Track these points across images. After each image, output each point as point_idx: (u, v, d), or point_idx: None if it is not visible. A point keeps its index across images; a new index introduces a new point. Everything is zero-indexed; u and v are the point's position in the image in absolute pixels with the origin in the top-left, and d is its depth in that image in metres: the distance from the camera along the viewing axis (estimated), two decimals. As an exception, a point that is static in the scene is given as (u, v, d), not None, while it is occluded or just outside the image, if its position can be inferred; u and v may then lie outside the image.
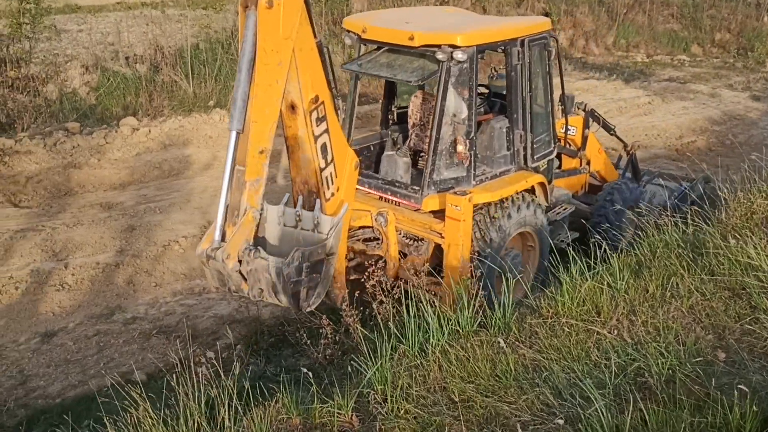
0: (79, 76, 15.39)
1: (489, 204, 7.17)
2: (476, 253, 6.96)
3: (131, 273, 9.18)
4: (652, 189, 10.14)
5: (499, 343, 5.21)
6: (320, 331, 6.32)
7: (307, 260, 5.62)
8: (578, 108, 9.22)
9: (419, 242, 7.40)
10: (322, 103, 6.12)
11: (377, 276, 6.50)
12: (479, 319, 5.71)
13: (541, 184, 7.84)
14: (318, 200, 6.29)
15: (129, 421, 4.38)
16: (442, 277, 6.91)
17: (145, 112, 14.72)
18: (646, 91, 19.79)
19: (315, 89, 6.02)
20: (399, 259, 7.41)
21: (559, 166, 9.10)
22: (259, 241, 5.93)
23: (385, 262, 7.32)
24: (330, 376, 5.74)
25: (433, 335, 5.43)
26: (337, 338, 6.30)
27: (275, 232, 6.18)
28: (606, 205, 8.73)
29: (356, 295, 7.00)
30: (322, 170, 6.30)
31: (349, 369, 5.36)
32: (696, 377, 4.60)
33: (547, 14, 8.21)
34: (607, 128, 9.95)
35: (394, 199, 7.41)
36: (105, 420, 4.38)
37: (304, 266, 5.60)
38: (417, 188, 7.17)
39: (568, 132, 8.75)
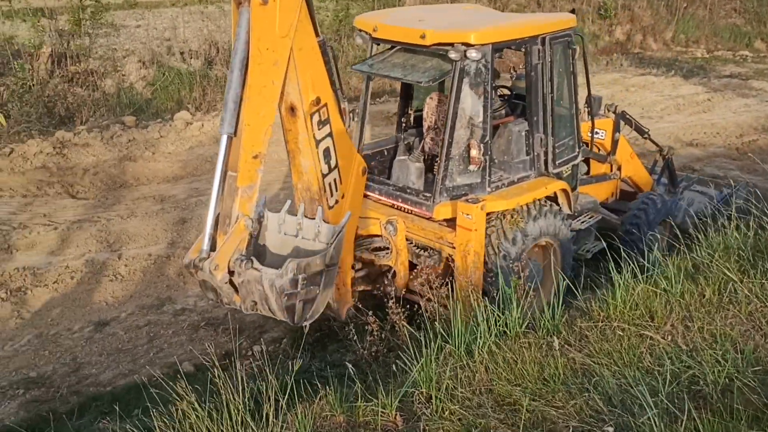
0: (136, 71, 15.73)
1: (505, 212, 6.76)
2: (491, 265, 6.59)
3: (182, 265, 9.32)
4: (690, 196, 9.71)
5: (552, 343, 5.10)
6: (366, 327, 6.29)
7: (303, 272, 5.29)
8: (608, 110, 8.73)
9: (431, 252, 7.00)
10: (325, 105, 5.84)
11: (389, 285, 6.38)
12: (528, 321, 5.60)
13: (564, 191, 7.39)
14: (320, 208, 5.98)
15: (175, 414, 4.42)
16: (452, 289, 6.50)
17: (198, 107, 14.95)
18: (706, 88, 19.21)
19: (316, 91, 5.74)
20: (409, 270, 7.04)
21: (587, 172, 8.71)
22: (259, 250, 5.72)
23: (394, 273, 7.01)
24: (375, 373, 5.70)
25: (480, 336, 5.34)
26: (383, 335, 6.26)
27: (276, 240, 5.86)
28: (639, 215, 8.27)
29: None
30: (324, 176, 6.01)
31: (394, 368, 5.32)
32: (754, 387, 4.41)
33: (573, 11, 7.89)
34: (641, 131, 9.42)
35: (405, 206, 7.04)
36: (152, 412, 4.43)
37: (299, 278, 5.27)
38: (429, 195, 6.82)
39: (597, 136, 8.30)
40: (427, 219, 6.87)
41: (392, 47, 6.96)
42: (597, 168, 8.78)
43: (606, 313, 5.59)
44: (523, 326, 5.52)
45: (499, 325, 5.48)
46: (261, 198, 5.68)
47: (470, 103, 6.58)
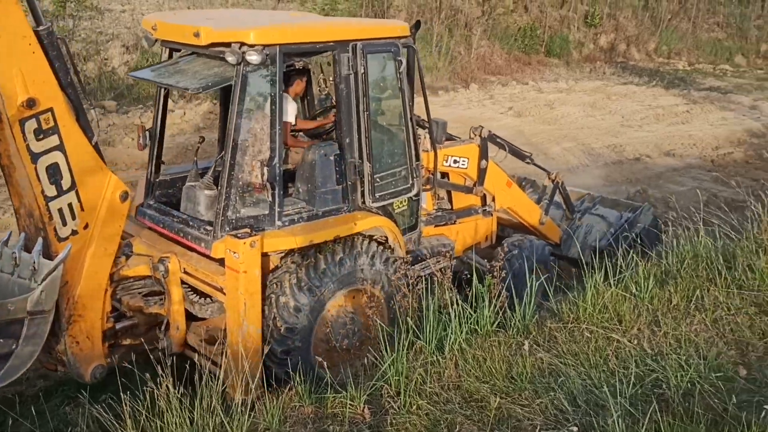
0: (119, 55, 15.62)
1: (303, 251, 5.60)
2: (274, 319, 5.43)
3: None
4: (589, 221, 8.83)
5: (523, 345, 5.17)
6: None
7: None
8: (473, 134, 7.49)
9: (208, 300, 5.76)
10: (49, 110, 4.64)
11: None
12: (499, 319, 5.66)
13: (391, 231, 6.21)
14: (40, 239, 4.81)
15: (145, 399, 4.43)
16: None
17: (182, 95, 14.88)
18: (686, 100, 19.51)
19: (31, 91, 4.53)
20: (186, 322, 5.84)
21: (451, 208, 7.58)
22: None
23: (168, 324, 5.79)
24: (347, 365, 5.74)
25: (451, 332, 5.40)
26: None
27: None
28: (505, 266, 6.94)
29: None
30: (49, 199, 4.78)
31: (365, 361, 5.36)
32: (715, 392, 4.52)
33: (417, 23, 6.54)
34: (521, 156, 8.12)
35: (185, 241, 5.75)
36: (122, 395, 4.43)
37: None
38: (211, 228, 5.55)
39: (457, 164, 7.25)
40: (209, 257, 5.57)
41: (191, 52, 5.83)
42: (464, 201, 7.63)
43: (576, 315, 5.69)
44: (494, 325, 5.59)
45: (471, 323, 5.54)
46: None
47: (253, 118, 5.47)
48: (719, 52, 27.13)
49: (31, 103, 4.53)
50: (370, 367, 5.30)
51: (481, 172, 7.47)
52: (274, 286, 5.51)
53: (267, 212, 5.52)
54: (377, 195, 6.09)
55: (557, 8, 26.30)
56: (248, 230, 5.38)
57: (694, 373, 4.69)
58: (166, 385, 4.40)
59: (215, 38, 5.26)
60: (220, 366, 4.95)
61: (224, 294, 5.38)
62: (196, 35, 5.26)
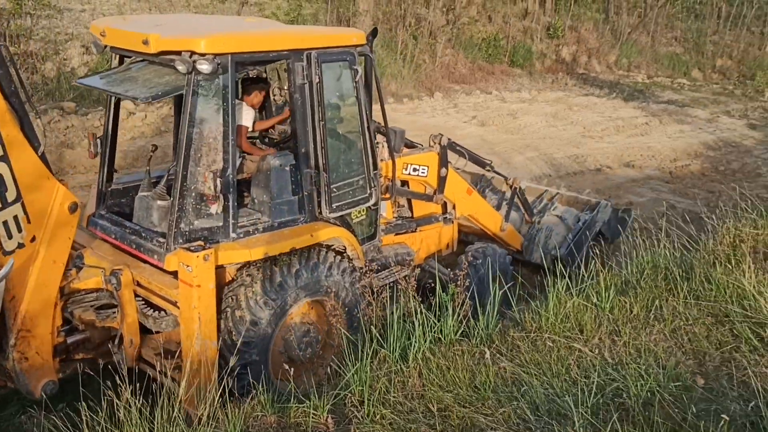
0: (79, 56, 15.32)
1: (259, 264, 5.53)
2: (230, 333, 5.38)
3: None
4: (549, 224, 8.92)
5: (484, 354, 5.19)
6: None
7: None
8: (433, 141, 7.52)
9: (162, 313, 5.63)
10: None
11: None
12: (462, 328, 5.69)
13: (349, 241, 6.18)
14: None
15: (103, 409, 4.33)
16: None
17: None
18: (645, 112, 19.90)
19: None
20: (139, 335, 5.68)
21: (411, 216, 7.61)
22: None
23: (122, 337, 5.61)
24: (309, 375, 5.70)
25: (415, 341, 5.40)
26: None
27: None
28: (469, 274, 6.87)
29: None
30: None
31: (329, 370, 5.33)
32: (674, 401, 4.60)
33: (374, 30, 6.43)
34: (480, 163, 8.24)
35: (137, 253, 5.65)
36: (80, 404, 4.33)
37: None
38: (163, 241, 5.44)
39: (417, 172, 7.25)
40: (162, 270, 5.49)
41: (141, 60, 5.65)
42: (424, 209, 7.66)
43: (538, 324, 5.74)
44: (458, 334, 5.61)
45: (434, 332, 5.55)
46: None
47: (205, 127, 5.34)
48: (677, 66, 27.77)
49: None
50: (333, 376, 5.27)
51: (441, 180, 7.50)
52: (230, 299, 5.43)
53: (221, 224, 5.42)
54: (334, 205, 6.04)
55: (520, 19, 26.65)
56: (202, 243, 5.26)
57: (654, 382, 4.76)
58: (126, 396, 4.32)
59: (164, 46, 5.14)
60: (177, 381, 4.85)
61: (178, 308, 5.28)
62: (145, 43, 5.13)
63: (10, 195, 4.66)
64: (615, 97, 21.79)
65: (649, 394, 4.68)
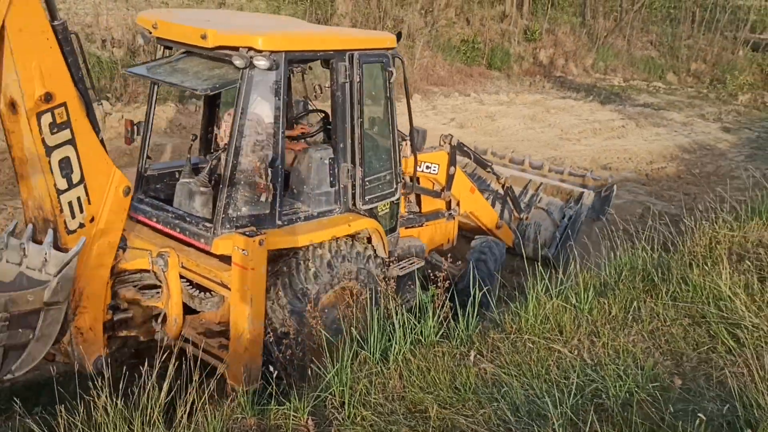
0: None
1: (296, 251, 5.84)
2: (273, 312, 5.67)
3: None
4: (537, 218, 9.45)
5: (467, 355, 5.20)
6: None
7: (4, 310, 4.31)
8: (443, 141, 8.00)
9: (208, 294, 5.99)
10: (63, 105, 4.70)
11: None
12: (442, 330, 5.69)
13: (377, 232, 6.51)
14: (51, 231, 4.90)
15: (80, 411, 4.28)
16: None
17: (119, 97, 14.51)
18: (621, 115, 20.11)
19: (47, 85, 4.58)
20: (183, 314, 5.97)
21: (419, 211, 8.01)
22: None
23: (165, 316, 5.89)
24: (289, 377, 5.67)
25: (395, 342, 5.40)
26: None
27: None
28: (479, 266, 7.67)
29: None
30: (60, 192, 4.85)
31: (309, 372, 5.30)
32: (652, 402, 4.64)
33: (399, 34, 6.96)
34: (482, 164, 8.88)
35: (183, 237, 5.91)
36: (57, 407, 4.27)
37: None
38: (210, 225, 5.74)
39: (429, 170, 7.68)
40: (207, 253, 5.79)
41: (185, 51, 6.03)
42: (431, 205, 8.11)
43: (518, 325, 5.76)
44: (438, 335, 5.61)
45: (415, 333, 5.55)
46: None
47: (258, 121, 5.72)
48: (652, 70, 28.11)
49: (48, 97, 4.58)
50: (314, 378, 5.25)
51: (449, 178, 7.94)
52: (273, 283, 5.70)
53: (268, 211, 5.74)
54: (366, 198, 6.41)
55: (498, 22, 26.79)
56: (254, 229, 5.55)
57: (632, 383, 4.80)
58: (104, 397, 4.26)
59: (222, 42, 5.43)
60: (222, 359, 5.26)
61: (228, 289, 5.54)
62: (203, 37, 5.40)
63: (75, 177, 4.91)
64: (592, 100, 22.00)
65: (627, 394, 4.72)
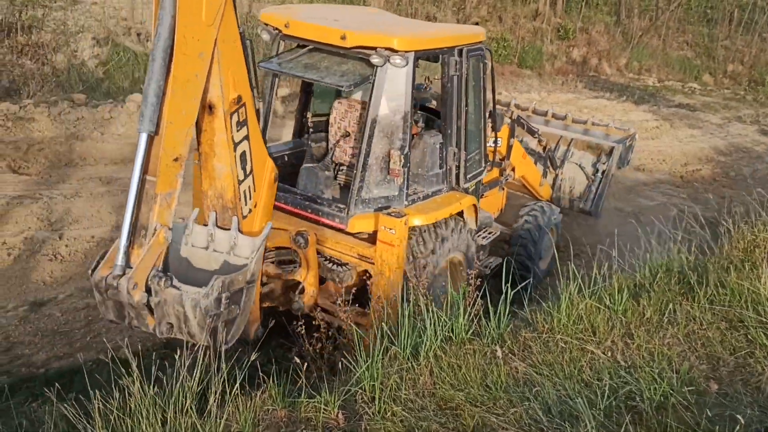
0: (90, 48, 15.35)
1: (421, 227, 6.54)
2: (406, 282, 6.24)
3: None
4: (570, 173, 10.50)
5: (495, 352, 5.16)
6: (313, 324, 6.25)
7: (227, 290, 4.75)
8: (505, 116, 8.98)
9: (342, 267, 6.66)
10: (244, 105, 5.20)
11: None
12: (473, 327, 5.66)
13: (473, 206, 7.27)
14: (235, 218, 5.34)
15: (116, 397, 4.32)
16: (367, 307, 6.29)
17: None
18: (655, 116, 19.82)
19: (238, 88, 5.09)
20: (318, 286, 6.64)
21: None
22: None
23: (302, 288, 6.60)
24: (320, 371, 5.68)
25: (426, 339, 5.38)
26: (330, 333, 6.24)
27: (181, 254, 5.16)
28: (530, 227, 8.65)
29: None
30: (240, 183, 5.39)
31: (340, 366, 5.30)
32: (687, 406, 4.56)
33: (476, 23, 7.60)
34: (532, 132, 9.87)
35: (315, 217, 6.59)
36: (91, 394, 4.31)
37: (223, 297, 4.72)
38: (343, 206, 6.43)
39: (495, 144, 8.30)
40: (340, 231, 6.46)
41: (303, 46, 6.55)
42: (490, 175, 8.61)
43: (550, 325, 5.69)
44: (469, 333, 5.58)
45: (445, 331, 5.52)
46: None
47: (390, 112, 6.31)
48: (688, 70, 27.66)
49: (238, 99, 5.11)
50: (344, 372, 5.25)
51: (509, 149, 8.73)
52: (409, 253, 6.35)
53: (396, 193, 6.46)
54: (468, 176, 7.17)
55: (530, 20, 26.57)
56: (397, 209, 6.29)
57: (667, 386, 4.72)
58: (138, 384, 4.30)
59: (361, 42, 6.06)
60: (362, 324, 5.85)
61: (370, 263, 6.25)
62: (343, 38, 6.06)
63: (248, 168, 5.45)
64: (625, 100, 21.71)
65: (662, 398, 4.64)
